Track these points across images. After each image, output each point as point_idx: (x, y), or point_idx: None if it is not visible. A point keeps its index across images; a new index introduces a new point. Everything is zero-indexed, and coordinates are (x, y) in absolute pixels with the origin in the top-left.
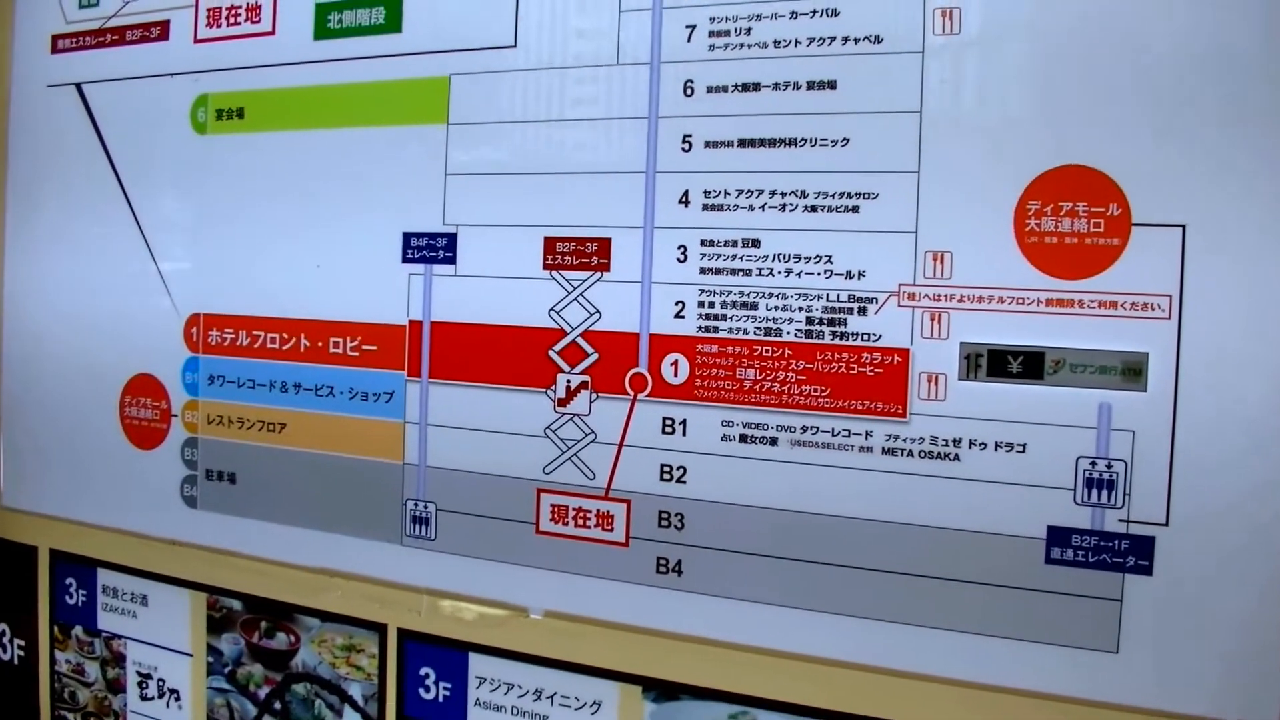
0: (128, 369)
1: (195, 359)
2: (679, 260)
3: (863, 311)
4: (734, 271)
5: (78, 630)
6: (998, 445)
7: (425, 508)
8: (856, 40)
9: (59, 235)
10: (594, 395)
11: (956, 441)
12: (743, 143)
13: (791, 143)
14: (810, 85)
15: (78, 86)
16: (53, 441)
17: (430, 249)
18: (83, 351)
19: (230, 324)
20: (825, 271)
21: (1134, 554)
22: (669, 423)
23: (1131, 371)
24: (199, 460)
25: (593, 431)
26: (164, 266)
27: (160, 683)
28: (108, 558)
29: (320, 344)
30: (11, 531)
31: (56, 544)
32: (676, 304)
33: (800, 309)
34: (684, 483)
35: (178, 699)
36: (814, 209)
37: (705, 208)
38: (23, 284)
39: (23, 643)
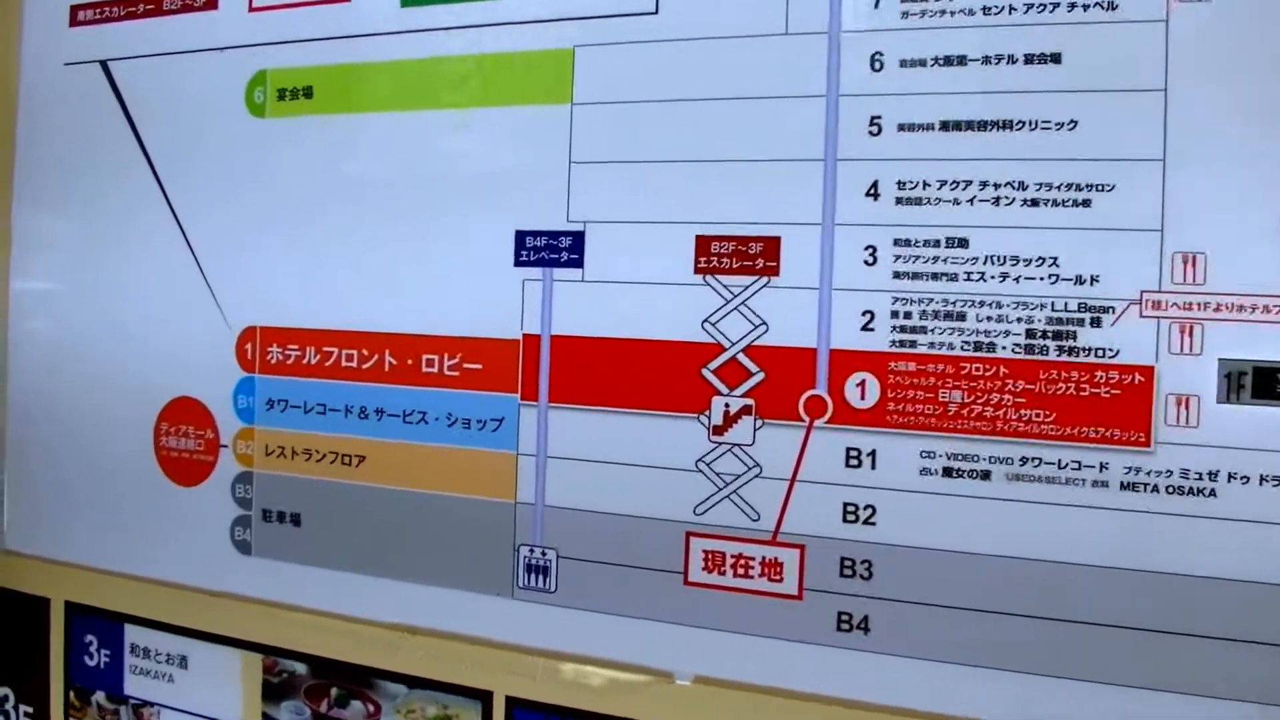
0: (165, 391)
1: (250, 380)
2: (867, 263)
3: (1096, 323)
4: (936, 276)
5: (99, 696)
6: (1264, 479)
7: (543, 555)
8: (1085, 7)
9: (78, 237)
10: (759, 422)
11: (1213, 475)
12: (946, 125)
13: (1006, 126)
14: (1029, 59)
15: (103, 64)
16: (70, 476)
17: (551, 250)
18: (108, 371)
19: (295, 338)
20: (1050, 276)
21: None
22: (854, 454)
23: None
24: (254, 498)
25: (757, 464)
26: (211, 272)
27: None
28: (138, 611)
29: (410, 362)
30: (19, 580)
31: (74, 595)
32: (864, 314)
33: (1019, 319)
34: (872, 524)
35: None
36: (1034, 203)
37: (900, 201)
38: (34, 293)
39: (30, 709)
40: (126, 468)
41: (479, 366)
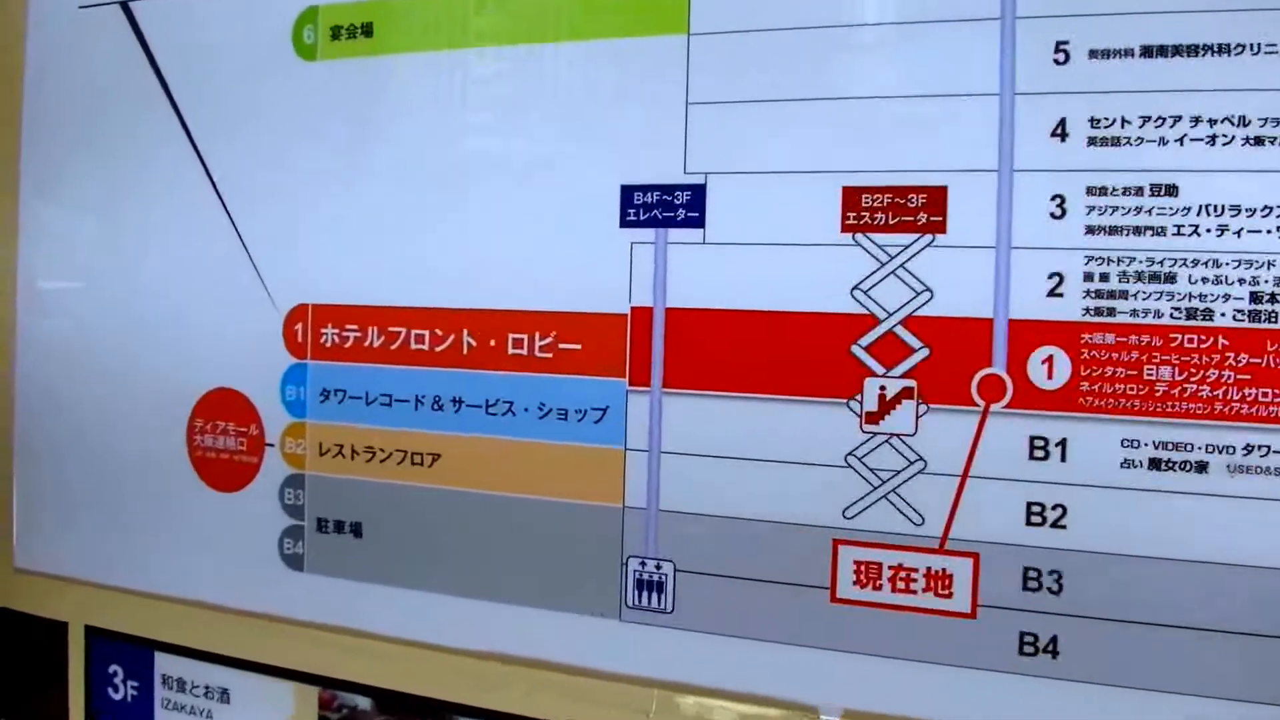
0: (199, 382)
1: (301, 367)
2: (1054, 215)
3: None
4: (1139, 230)
5: None
6: None
7: (657, 569)
8: None
9: (96, 204)
10: (922, 407)
11: None
12: (1148, 51)
13: (1223, 50)
14: None
15: (123, 5)
16: (89, 483)
17: (665, 208)
18: (132, 360)
19: (354, 317)
20: (1278, 228)
21: None
22: (1040, 444)
23: None
24: (306, 506)
25: (920, 458)
26: (253, 241)
27: None
28: (171, 637)
29: (494, 343)
30: (30, 602)
31: (95, 619)
32: (1051, 277)
33: (1241, 281)
34: (1062, 527)
35: None
36: (1259, 141)
37: (1093, 142)
38: (44, 270)
39: None
40: (156, 472)
41: (577, 346)
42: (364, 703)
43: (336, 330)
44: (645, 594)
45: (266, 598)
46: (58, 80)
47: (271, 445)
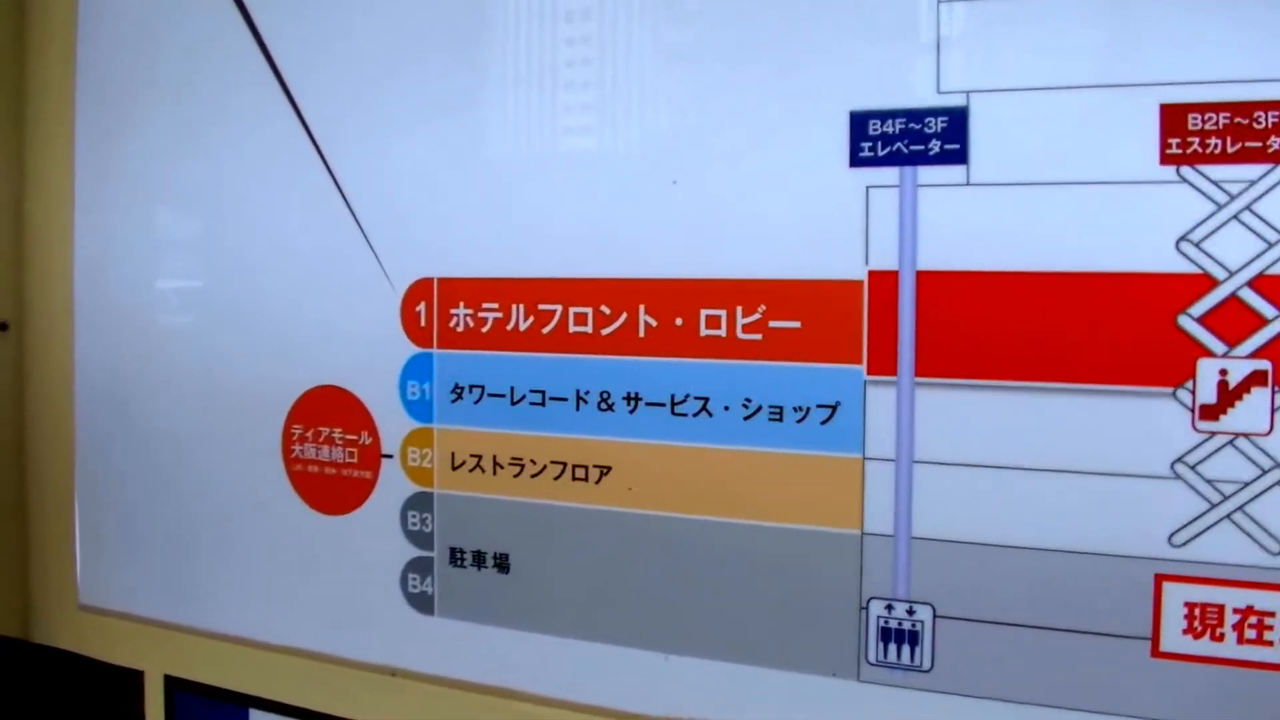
0: (295, 380)
1: (425, 357)
2: None
3: None
4: None
5: None
6: None
7: (910, 614)
8: None
9: (169, 169)
10: None
11: None
12: None
13: None
14: None
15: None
16: (162, 504)
17: (913, 139)
18: (211, 354)
19: (493, 292)
20: None
21: None
22: None
23: None
24: (436, 532)
25: (1277, 464)
26: (361, 205)
27: None
28: (269, 692)
29: (680, 322)
30: (98, 645)
31: (176, 667)
32: None
33: None
34: None
35: None
36: None
37: None
38: (103, 249)
39: None
40: (245, 491)
41: (795, 324)
42: None
43: (470, 310)
44: (893, 647)
45: (387, 647)
46: (116, 21)
47: (389, 457)
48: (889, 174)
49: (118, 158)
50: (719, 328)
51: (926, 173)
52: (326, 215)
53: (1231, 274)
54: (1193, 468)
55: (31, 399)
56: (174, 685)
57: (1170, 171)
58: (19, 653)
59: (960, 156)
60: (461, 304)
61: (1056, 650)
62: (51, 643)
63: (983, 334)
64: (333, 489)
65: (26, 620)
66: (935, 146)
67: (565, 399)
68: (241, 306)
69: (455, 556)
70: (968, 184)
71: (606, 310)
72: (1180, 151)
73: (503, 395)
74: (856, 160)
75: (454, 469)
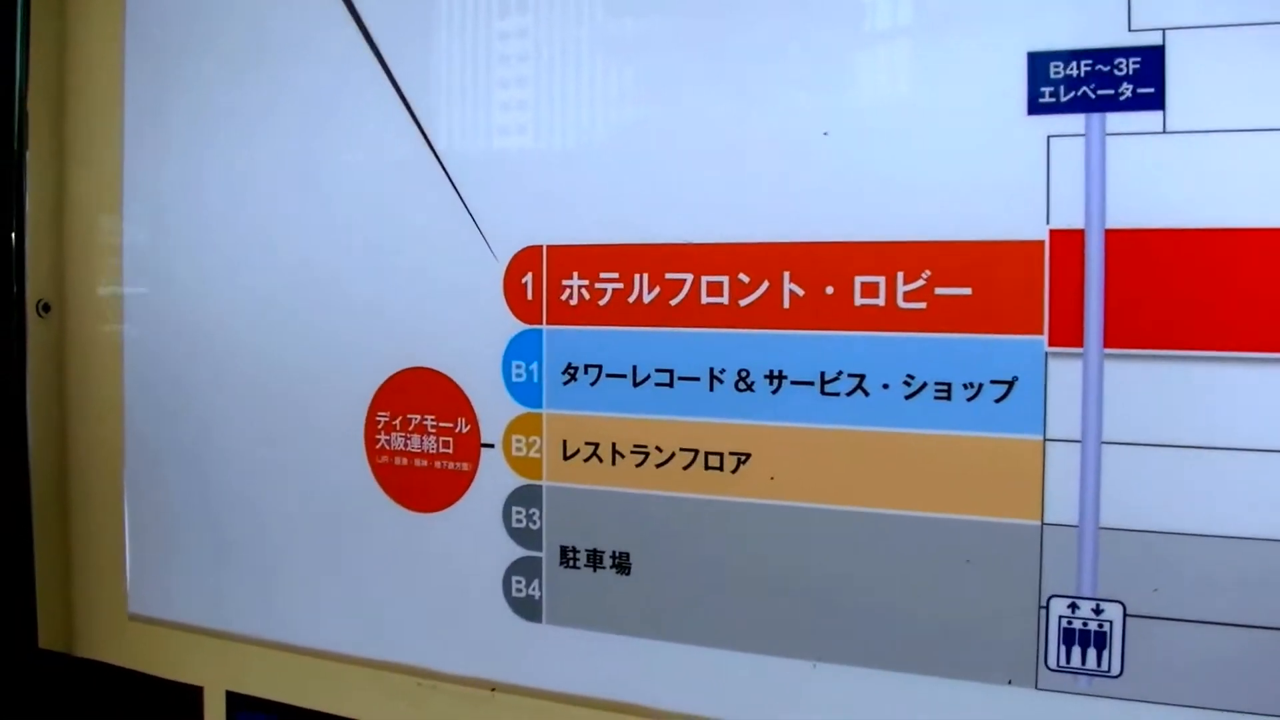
0: (381, 364)
1: (533, 334)
2: None
3: None
4: None
5: None
6: None
7: (1096, 614)
8: None
9: (234, 133)
10: None
11: None
12: None
13: None
14: None
15: None
16: (223, 504)
17: (1101, 83)
18: (283, 333)
19: (612, 260)
20: None
21: None
22: None
23: None
24: (545, 530)
25: None
26: (457, 165)
27: None
28: (346, 711)
29: (831, 290)
30: (150, 658)
31: (239, 683)
32: None
33: None
34: None
35: None
36: None
37: None
38: (157, 224)
39: None
40: (320, 486)
41: (966, 291)
42: None
43: (586, 281)
44: (1077, 650)
45: (487, 659)
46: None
47: (490, 446)
48: (1073, 122)
49: (172, 127)
50: (876, 296)
51: (1116, 119)
52: (417, 178)
53: None
54: None
55: (75, 388)
56: (237, 703)
57: None
58: (64, 669)
59: (1155, 101)
60: (575, 274)
61: (1264, 652)
62: (99, 657)
63: (1180, 299)
64: (424, 483)
65: (70, 632)
66: (1126, 90)
67: (697, 378)
68: (316, 283)
69: (567, 556)
70: (1163, 132)
71: (745, 278)
72: None
73: (624, 375)
74: (1036, 107)
75: (566, 459)
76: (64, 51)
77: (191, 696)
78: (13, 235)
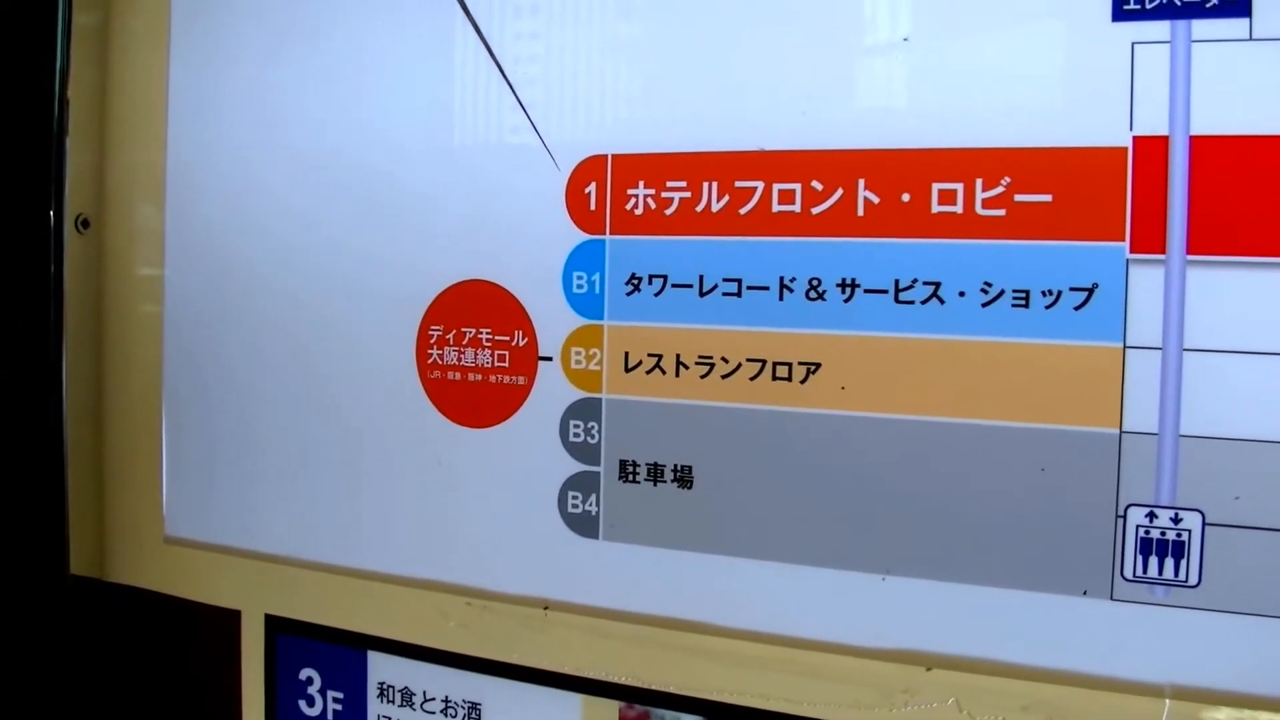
0: (435, 275)
1: (595, 244)
2: None
3: None
4: None
5: None
6: None
7: (1175, 523)
8: None
9: (282, 40)
10: None
11: None
12: None
13: None
14: None
15: None
16: (265, 422)
17: None
18: (329, 248)
19: (679, 169)
20: None
21: None
22: None
23: None
24: (604, 444)
25: None
26: (516, 69)
27: None
28: (392, 633)
29: (908, 197)
30: (187, 583)
31: (279, 606)
32: None
33: None
34: None
35: None
36: None
37: None
38: (203, 126)
39: None
40: (371, 401)
41: (1047, 198)
42: None
43: (652, 190)
44: (1155, 560)
45: (541, 577)
46: None
47: (548, 359)
48: (1158, 28)
49: (220, 36)
50: (954, 203)
51: (1202, 26)
52: (474, 83)
53: None
54: None
55: (113, 305)
56: (276, 626)
57: None
58: (98, 594)
59: (1243, 8)
60: (641, 183)
61: None
62: (133, 582)
63: (1265, 206)
64: (478, 398)
65: (103, 556)
66: None
67: (766, 287)
68: (368, 194)
69: (626, 471)
70: (1250, 39)
71: (819, 186)
72: None
73: (690, 285)
74: (1120, 14)
75: (628, 370)
76: None
77: (229, 621)
78: (52, 149)
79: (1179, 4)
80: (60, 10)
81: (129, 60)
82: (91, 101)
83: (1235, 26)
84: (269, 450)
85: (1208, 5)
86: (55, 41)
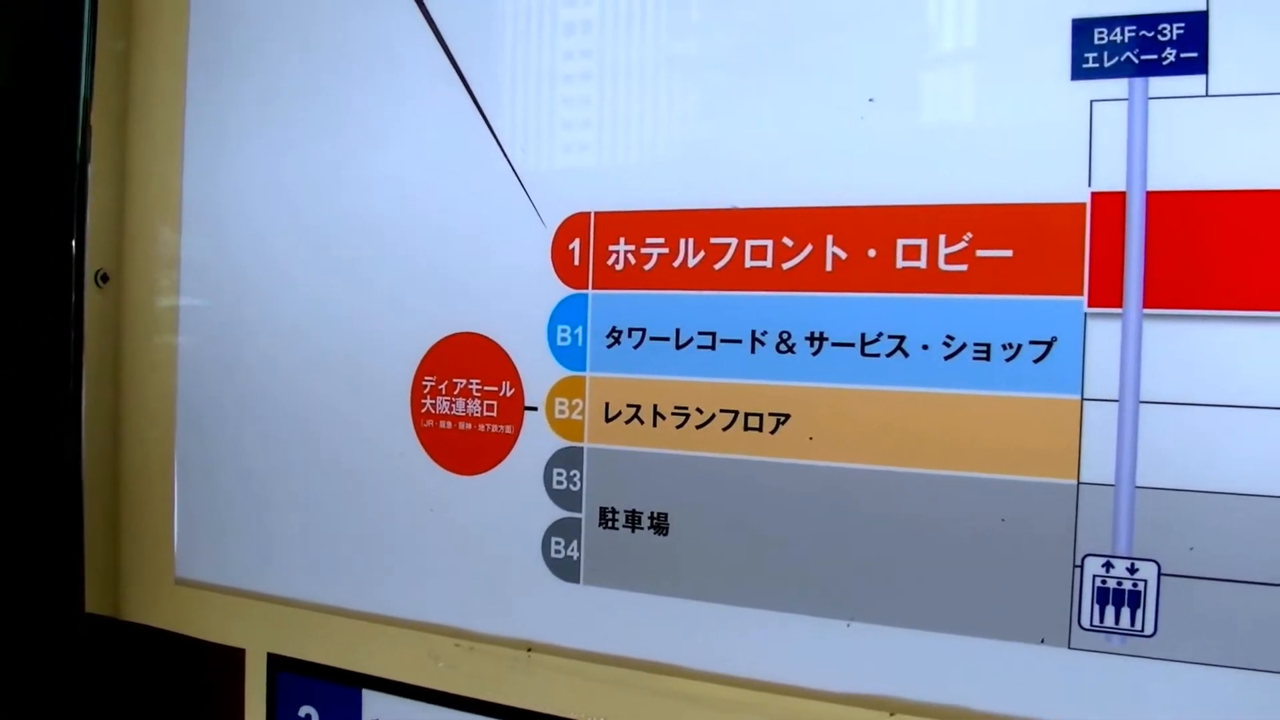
0: (429, 329)
1: (578, 299)
2: None
3: None
4: None
5: None
6: None
7: (1131, 573)
8: None
9: (288, 105)
10: None
11: None
12: None
13: None
14: None
15: None
16: (270, 469)
17: (1145, 48)
18: (333, 305)
19: (658, 226)
20: None
21: None
22: None
23: None
24: (585, 491)
25: None
26: (508, 134)
27: None
28: (384, 671)
29: (874, 253)
30: (195, 623)
31: (280, 645)
32: None
33: None
34: None
35: None
36: None
37: None
38: (213, 193)
39: None
40: (365, 450)
41: (1007, 254)
42: None
43: (632, 246)
44: (1111, 610)
45: (525, 619)
46: None
47: (533, 409)
48: (1116, 86)
49: (231, 97)
50: (918, 259)
51: (1160, 84)
52: (468, 146)
53: None
54: None
55: (130, 355)
56: (278, 664)
57: None
58: (111, 632)
59: (1199, 65)
60: (622, 239)
61: None
62: (146, 621)
63: (1221, 260)
64: (468, 446)
65: (118, 597)
66: (1170, 55)
67: (739, 340)
68: (367, 250)
69: (606, 517)
70: (1206, 95)
71: (789, 242)
72: None
73: (667, 338)
74: (1079, 73)
75: (608, 420)
76: (128, 17)
77: (235, 659)
78: (74, 208)
79: (1136, 62)
80: (85, 37)
81: (146, 122)
82: (113, 164)
83: (1192, 83)
84: (274, 497)
85: (1164, 63)
86: (79, 69)
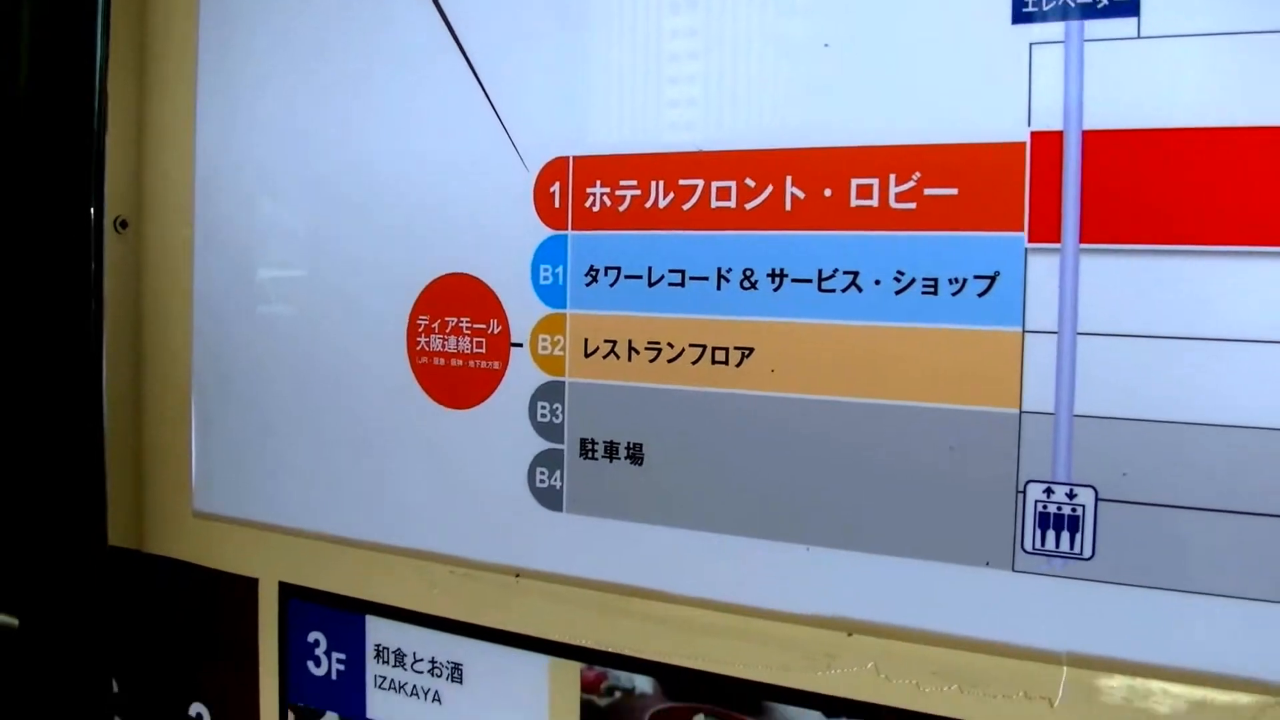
0: (421, 269)
1: (559, 240)
2: None
3: None
4: None
5: None
6: None
7: (1070, 499)
8: None
9: (291, 57)
10: None
11: None
12: None
13: None
14: None
15: None
16: (280, 407)
17: None
18: (330, 242)
19: (631, 169)
20: None
21: None
22: None
23: None
24: (566, 423)
25: None
26: (494, 82)
27: None
28: (387, 597)
29: (829, 193)
30: (213, 554)
31: (291, 575)
32: None
33: None
34: None
35: None
36: None
37: None
38: (224, 143)
39: None
40: (367, 387)
41: (952, 191)
42: (643, 683)
43: (607, 189)
44: (1052, 534)
45: (513, 546)
46: None
47: (519, 345)
48: (1053, 29)
49: (241, 52)
50: (870, 197)
51: (1095, 26)
52: (457, 95)
53: None
54: None
55: (149, 298)
56: (288, 592)
57: None
58: (133, 563)
59: (1131, 8)
60: (598, 183)
61: (1232, 536)
62: (166, 552)
63: (1154, 196)
64: (459, 381)
65: (141, 530)
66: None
67: (706, 278)
68: (364, 196)
69: (586, 448)
70: (1138, 37)
71: (751, 183)
72: None
73: (639, 276)
74: (1020, 16)
75: (587, 356)
76: None
77: (248, 588)
78: (93, 159)
79: (1073, 5)
80: (100, 6)
81: (162, 72)
82: (131, 113)
83: (1125, 25)
84: (283, 433)
85: (1099, 6)
86: (95, 37)
